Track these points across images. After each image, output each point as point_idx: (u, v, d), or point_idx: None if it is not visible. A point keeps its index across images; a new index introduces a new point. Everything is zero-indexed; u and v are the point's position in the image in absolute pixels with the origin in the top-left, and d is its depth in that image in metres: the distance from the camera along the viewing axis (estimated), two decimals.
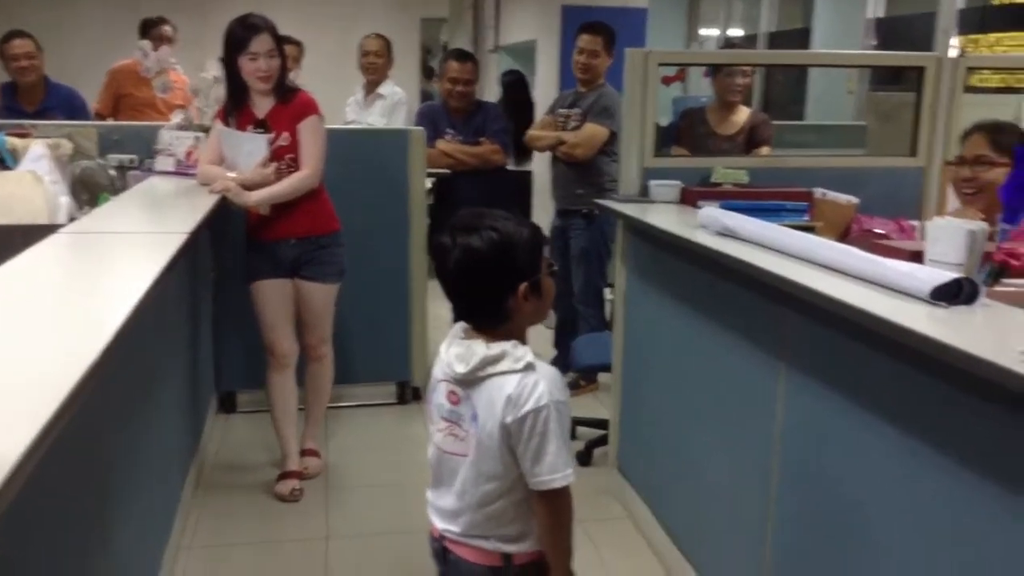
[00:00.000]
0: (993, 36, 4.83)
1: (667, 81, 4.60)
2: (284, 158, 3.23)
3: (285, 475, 3.40)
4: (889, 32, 5.84)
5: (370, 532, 3.14)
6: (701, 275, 2.60)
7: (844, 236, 3.19)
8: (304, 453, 3.53)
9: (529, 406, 1.63)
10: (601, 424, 3.71)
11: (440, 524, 1.80)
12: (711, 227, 2.54)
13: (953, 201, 2.98)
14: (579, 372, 4.31)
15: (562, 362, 4.37)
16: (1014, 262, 1.79)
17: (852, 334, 1.81)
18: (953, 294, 1.70)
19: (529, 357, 1.67)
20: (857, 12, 6.02)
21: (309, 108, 3.24)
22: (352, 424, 4.05)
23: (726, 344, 2.46)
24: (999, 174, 2.56)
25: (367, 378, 4.23)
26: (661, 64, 3.38)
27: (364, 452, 3.79)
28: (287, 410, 3.44)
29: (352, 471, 3.60)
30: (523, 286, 1.67)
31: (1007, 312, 1.67)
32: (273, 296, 3.33)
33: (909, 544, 1.68)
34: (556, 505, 1.69)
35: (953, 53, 4.83)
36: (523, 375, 1.65)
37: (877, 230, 2.74)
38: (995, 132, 2.63)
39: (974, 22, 5.08)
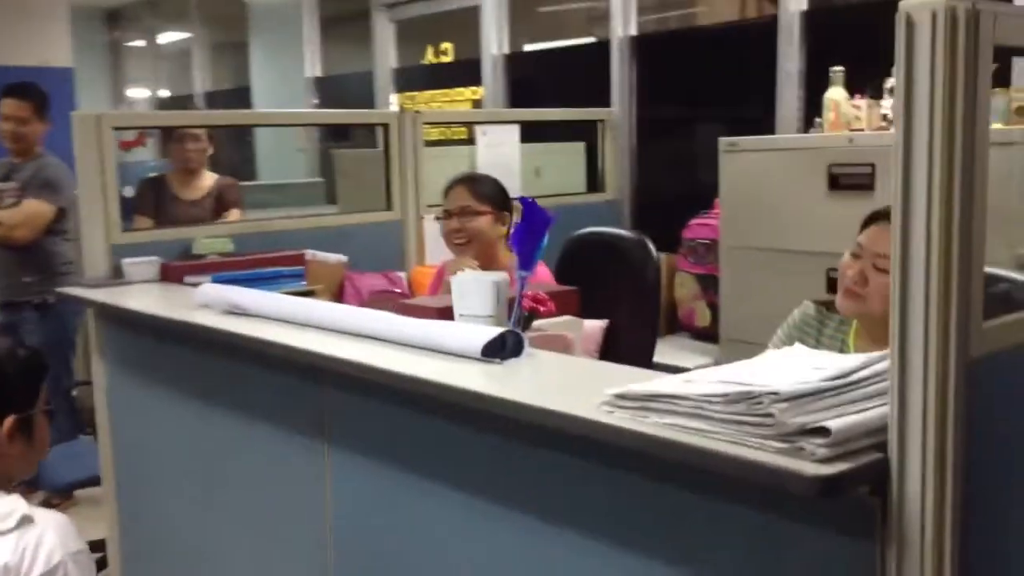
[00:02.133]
0: (427, 93, 5.23)
1: (124, 146, 4.14)
2: None
3: None
4: (329, 90, 6.03)
5: None
6: (210, 360, 2.30)
7: (339, 295, 3.13)
8: None
9: (38, 570, 1.28)
10: (93, 547, 3.14)
11: None
12: (215, 306, 2.26)
13: (438, 252, 3.10)
14: (55, 491, 3.64)
15: (34, 480, 3.65)
16: (542, 307, 1.84)
17: (403, 403, 1.70)
18: (500, 348, 1.68)
19: (23, 509, 1.30)
20: (297, 71, 6.11)
21: None
22: None
23: (255, 433, 2.20)
24: (483, 222, 2.70)
25: None
26: (117, 128, 2.99)
27: None
28: None
29: None
30: (10, 421, 1.28)
31: (553, 360, 1.70)
32: None
33: None
34: None
35: (394, 109, 5.13)
36: (20, 533, 1.28)
37: (396, 289, 2.72)
38: (473, 183, 2.78)
39: (408, 81, 5.46)
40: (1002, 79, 2.92)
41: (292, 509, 2.10)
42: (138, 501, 2.81)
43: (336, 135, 5.76)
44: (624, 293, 2.83)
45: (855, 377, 1.19)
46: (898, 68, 0.97)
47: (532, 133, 4.11)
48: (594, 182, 4.22)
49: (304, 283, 2.93)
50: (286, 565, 2.15)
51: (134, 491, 2.83)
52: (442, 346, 1.72)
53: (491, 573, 1.60)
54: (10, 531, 1.28)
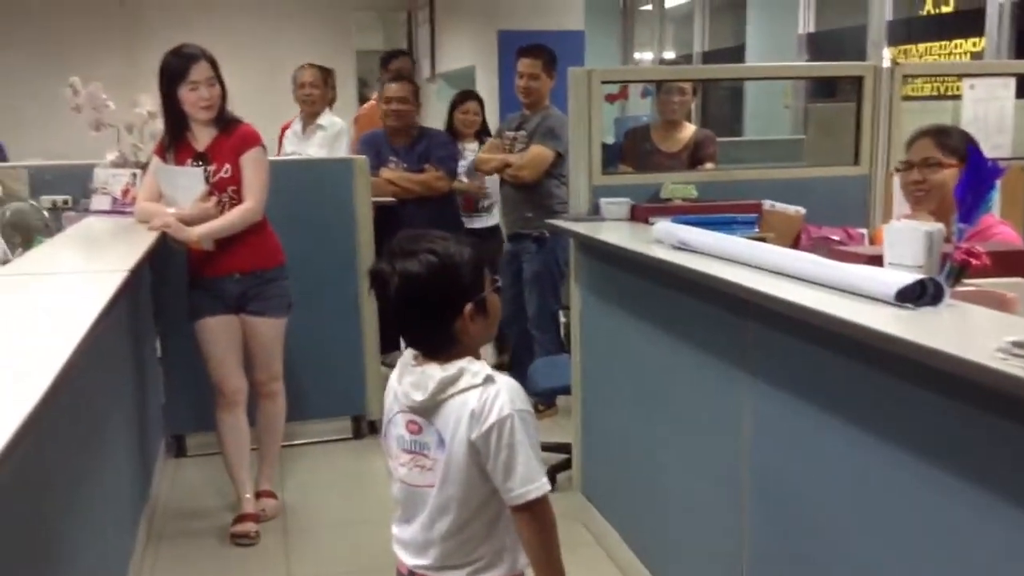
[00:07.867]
0: (923, 46, 4.94)
1: (611, 99, 4.61)
2: (227, 190, 3.14)
3: (241, 518, 3.27)
4: (821, 46, 5.95)
5: (333, 573, 3.04)
6: (658, 290, 2.58)
7: (794, 246, 3.20)
8: (260, 495, 3.41)
9: (493, 418, 1.60)
10: (562, 448, 3.65)
11: (408, 560, 1.74)
12: (667, 241, 2.52)
13: (900, 206, 3.01)
14: (537, 397, 4.26)
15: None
16: (974, 261, 1.79)
17: (818, 340, 1.79)
18: (917, 295, 1.69)
19: (487, 370, 1.64)
20: (789, 28, 6.13)
21: (251, 139, 3.17)
22: (307, 462, 3.93)
23: (688, 358, 2.43)
24: (947, 175, 2.58)
25: (320, 413, 4.11)
26: (604, 82, 3.38)
27: (322, 491, 3.68)
28: (240, 451, 3.33)
29: (310, 511, 3.49)
30: (469, 307, 1.63)
31: (973, 311, 1.67)
32: (219, 333, 3.23)
33: (887, 551, 1.66)
34: (537, 517, 1.64)
35: (886, 64, 4.93)
36: (483, 388, 1.62)
37: (834, 237, 2.76)
38: (940, 135, 2.66)
39: (903, 33, 5.20)
40: None
41: (713, 430, 2.30)
42: (597, 410, 3.23)
43: (824, 92, 5.69)
44: None
45: None
46: None
47: None
48: None
49: (756, 230, 3.07)
50: (705, 480, 2.37)
51: (595, 401, 3.25)
52: (858, 288, 1.77)
53: (888, 513, 1.65)
54: (479, 385, 1.63)
